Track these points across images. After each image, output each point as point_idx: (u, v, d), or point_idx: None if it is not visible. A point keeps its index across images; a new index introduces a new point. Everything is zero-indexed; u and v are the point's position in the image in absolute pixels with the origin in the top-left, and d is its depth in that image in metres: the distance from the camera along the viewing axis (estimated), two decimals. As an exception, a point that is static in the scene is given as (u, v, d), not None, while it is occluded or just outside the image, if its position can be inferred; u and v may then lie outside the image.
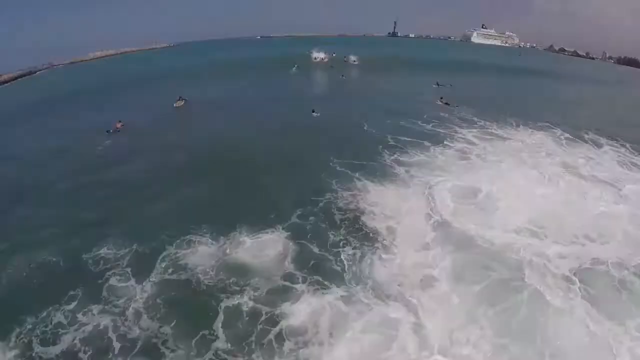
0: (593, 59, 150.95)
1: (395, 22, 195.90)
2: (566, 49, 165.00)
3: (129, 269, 10.32)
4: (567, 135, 22.70)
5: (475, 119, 25.79)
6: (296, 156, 18.64)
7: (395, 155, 18.43)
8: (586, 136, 22.61)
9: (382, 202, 13.69)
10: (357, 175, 15.86)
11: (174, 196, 14.76)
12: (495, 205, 13.37)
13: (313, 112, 26.35)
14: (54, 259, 10.90)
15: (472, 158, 18.68)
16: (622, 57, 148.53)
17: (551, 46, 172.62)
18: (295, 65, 52.20)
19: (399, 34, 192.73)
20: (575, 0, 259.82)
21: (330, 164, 17.04)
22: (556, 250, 10.84)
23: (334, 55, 61.92)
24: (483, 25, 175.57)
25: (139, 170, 17.75)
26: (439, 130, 23.24)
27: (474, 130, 23.47)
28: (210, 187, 15.43)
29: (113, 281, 9.93)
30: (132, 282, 9.87)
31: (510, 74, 57.32)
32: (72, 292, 9.43)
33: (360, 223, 12.37)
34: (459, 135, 22.48)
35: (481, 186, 14.79)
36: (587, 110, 31.67)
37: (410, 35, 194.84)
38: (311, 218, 12.69)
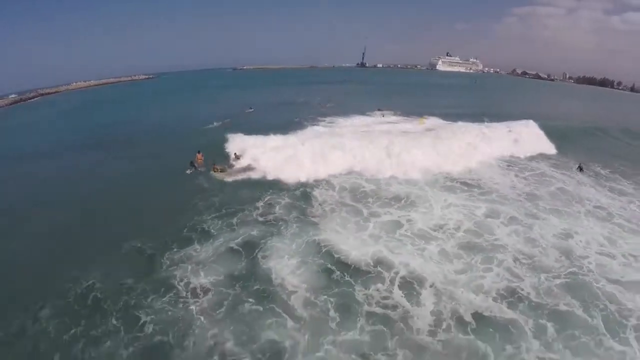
0: (553, 80, 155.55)
1: (363, 53, 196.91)
2: (528, 72, 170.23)
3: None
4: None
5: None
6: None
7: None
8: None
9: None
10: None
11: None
12: None
13: None
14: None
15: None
16: (581, 76, 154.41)
17: (514, 70, 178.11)
18: None
19: (367, 64, 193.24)
20: (535, 24, 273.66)
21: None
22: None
23: None
24: (448, 53, 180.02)
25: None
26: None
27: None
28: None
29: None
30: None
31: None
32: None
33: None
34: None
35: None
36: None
37: (378, 65, 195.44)
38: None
